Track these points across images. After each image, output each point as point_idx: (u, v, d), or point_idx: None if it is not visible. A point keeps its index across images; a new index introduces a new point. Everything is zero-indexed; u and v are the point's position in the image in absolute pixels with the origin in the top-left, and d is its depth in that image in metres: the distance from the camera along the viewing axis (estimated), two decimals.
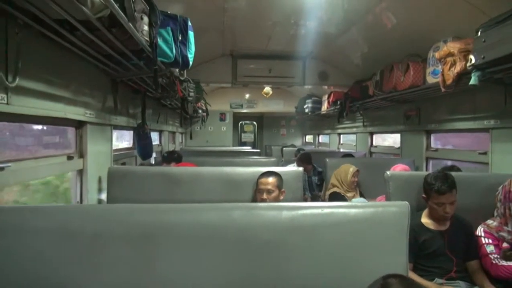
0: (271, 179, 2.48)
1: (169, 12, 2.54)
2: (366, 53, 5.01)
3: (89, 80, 2.66)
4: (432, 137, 4.43)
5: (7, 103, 1.70)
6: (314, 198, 4.84)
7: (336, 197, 3.66)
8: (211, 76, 6.20)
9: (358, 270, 1.44)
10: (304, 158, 5.08)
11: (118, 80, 3.08)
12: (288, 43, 5.45)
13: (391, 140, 6.02)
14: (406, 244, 1.47)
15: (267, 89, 7.83)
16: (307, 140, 12.04)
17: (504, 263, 2.14)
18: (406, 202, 1.52)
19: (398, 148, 5.15)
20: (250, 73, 6.23)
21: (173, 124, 6.78)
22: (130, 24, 1.87)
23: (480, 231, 2.29)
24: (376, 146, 6.22)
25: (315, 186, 5.04)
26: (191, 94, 4.49)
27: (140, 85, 3.38)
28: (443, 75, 2.96)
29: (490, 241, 2.23)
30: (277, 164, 3.73)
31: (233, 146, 10.23)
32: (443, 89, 3.02)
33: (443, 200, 2.21)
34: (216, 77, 6.29)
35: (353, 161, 4.26)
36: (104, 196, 2.86)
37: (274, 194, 2.46)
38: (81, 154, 2.69)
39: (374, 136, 6.32)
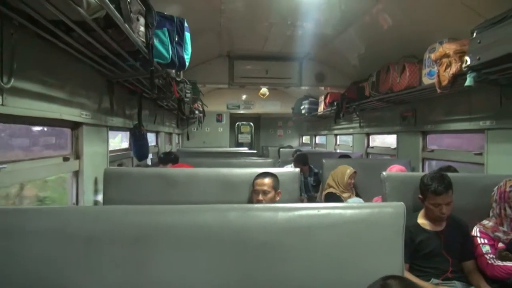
0: (267, 180, 2.48)
1: (165, 13, 2.54)
2: (363, 54, 5.02)
3: (85, 81, 2.65)
4: (428, 138, 4.45)
5: (2, 104, 1.69)
6: (310, 199, 4.85)
7: (332, 197, 3.67)
8: (208, 77, 6.20)
9: (354, 271, 1.44)
10: (300, 159, 5.09)
11: (114, 81, 3.07)
12: (285, 44, 5.46)
13: (388, 141, 6.04)
14: (402, 244, 1.48)
15: (264, 90, 7.84)
16: (304, 141, 12.05)
17: (499, 263, 2.14)
18: (402, 203, 1.53)
19: (395, 149, 5.16)
20: (247, 74, 6.23)
21: (170, 125, 6.77)
22: (126, 25, 1.87)
23: (475, 231, 2.30)
24: (372, 147, 6.23)
25: (311, 187, 5.04)
26: (188, 95, 4.49)
27: (136, 86, 3.37)
28: (438, 76, 2.97)
29: (486, 241, 2.24)
30: (273, 165, 3.73)
31: (230, 147, 10.23)
32: (439, 90, 3.03)
33: (439, 200, 2.21)
34: (212, 78, 6.29)
35: (350, 162, 4.26)
36: (100, 197, 2.85)
37: (270, 195, 2.46)
38: (77, 155, 2.67)
39: (371, 137, 6.33)
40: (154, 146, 5.77)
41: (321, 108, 7.33)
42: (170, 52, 2.54)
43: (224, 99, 10.23)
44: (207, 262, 1.40)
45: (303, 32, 4.80)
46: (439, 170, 2.97)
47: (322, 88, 6.78)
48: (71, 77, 2.42)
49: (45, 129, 2.53)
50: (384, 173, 2.56)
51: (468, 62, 2.53)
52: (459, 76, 2.79)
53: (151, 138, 5.52)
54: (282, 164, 5.90)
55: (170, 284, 1.39)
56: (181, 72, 3.43)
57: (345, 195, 3.67)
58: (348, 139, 7.42)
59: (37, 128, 2.46)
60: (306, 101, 8.19)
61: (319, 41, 5.12)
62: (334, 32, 4.64)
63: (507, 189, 2.22)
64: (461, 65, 2.71)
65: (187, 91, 4.43)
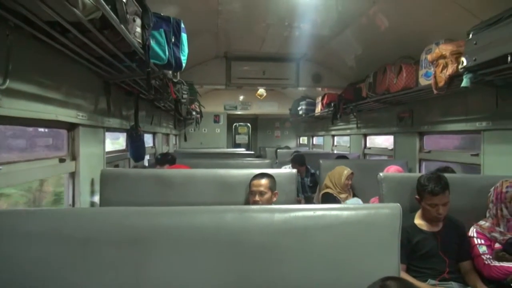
0: (263, 181, 2.48)
1: (162, 14, 2.53)
2: (359, 55, 5.03)
3: (81, 82, 2.64)
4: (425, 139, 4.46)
5: None
6: (307, 200, 4.85)
7: (328, 197, 3.67)
8: (205, 78, 6.20)
9: (351, 272, 1.44)
10: (297, 160, 5.09)
11: (110, 82, 3.06)
12: (282, 45, 5.46)
13: (379, 141, 6.06)
14: (398, 245, 1.48)
15: (261, 91, 7.84)
16: (301, 142, 12.05)
17: (496, 263, 2.15)
18: (398, 204, 1.53)
19: (392, 149, 5.17)
20: (244, 75, 6.24)
21: (167, 126, 6.76)
22: (122, 26, 1.86)
23: (472, 232, 2.30)
24: (370, 148, 6.24)
25: (307, 188, 5.05)
26: (185, 96, 4.48)
27: (133, 87, 3.36)
28: (435, 77, 2.98)
29: (483, 241, 2.24)
30: (271, 166, 3.73)
31: (227, 148, 10.22)
32: (435, 91, 3.04)
33: (436, 201, 2.22)
34: (210, 79, 6.29)
35: (347, 162, 4.26)
36: (97, 198, 2.84)
37: (266, 196, 2.46)
38: (73, 157, 2.66)
39: (368, 138, 6.34)
40: (151, 147, 5.76)
41: (318, 109, 7.34)
42: (167, 53, 2.54)
43: (222, 100, 10.23)
44: (204, 263, 1.40)
45: (300, 33, 4.81)
46: (436, 170, 2.98)
47: (319, 89, 6.79)
48: (67, 78, 2.41)
49: (41, 130, 2.52)
50: (381, 174, 2.57)
51: (464, 63, 2.54)
52: (455, 77, 2.80)
53: (148, 139, 5.52)
54: (279, 165, 5.90)
55: (167, 285, 1.38)
56: (178, 73, 3.43)
57: (342, 196, 3.67)
58: (346, 140, 7.43)
59: (33, 129, 2.45)
60: (303, 102, 8.20)
61: (316, 42, 5.13)
62: (331, 33, 4.65)
63: (504, 190, 2.23)
64: (457, 66, 2.72)
65: (184, 92, 4.42)
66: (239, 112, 10.70)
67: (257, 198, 2.45)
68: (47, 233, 1.36)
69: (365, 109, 5.65)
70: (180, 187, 2.59)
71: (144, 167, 4.72)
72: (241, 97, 10.35)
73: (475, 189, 2.47)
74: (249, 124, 13.06)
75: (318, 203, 3.98)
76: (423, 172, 4.09)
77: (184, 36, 2.70)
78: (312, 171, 5.14)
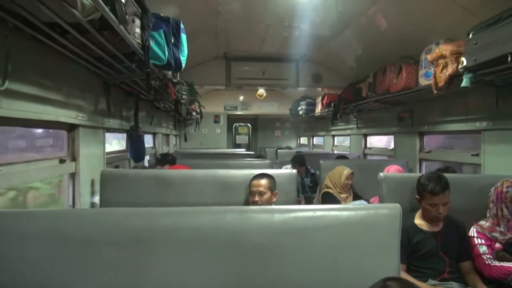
0: (263, 181, 2.49)
1: (161, 15, 2.53)
2: (359, 55, 5.03)
3: (81, 83, 2.64)
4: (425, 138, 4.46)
5: None
6: (308, 200, 4.85)
7: (328, 197, 3.67)
8: (205, 78, 6.20)
9: (350, 272, 1.44)
10: (297, 160, 5.09)
11: (110, 83, 3.06)
12: (282, 46, 5.46)
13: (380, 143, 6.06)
14: (398, 246, 1.48)
15: (261, 91, 7.84)
16: (301, 142, 12.05)
17: (497, 263, 2.15)
18: (398, 205, 1.53)
19: (392, 149, 5.17)
20: (244, 75, 6.24)
21: (167, 127, 6.76)
22: (121, 27, 1.86)
23: (473, 231, 2.30)
24: (370, 148, 6.24)
25: (307, 188, 5.05)
26: (185, 96, 4.48)
27: (133, 88, 3.36)
28: (435, 77, 2.98)
29: (483, 241, 2.24)
30: (271, 166, 3.73)
31: (228, 148, 10.22)
32: (435, 91, 3.03)
33: (436, 201, 2.22)
34: (210, 79, 6.29)
35: (347, 162, 4.26)
36: (97, 199, 2.84)
37: (266, 196, 2.46)
38: (74, 157, 2.66)
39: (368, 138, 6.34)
40: (152, 147, 5.76)
41: (318, 109, 7.34)
42: (166, 53, 2.54)
43: (222, 100, 10.23)
44: (204, 264, 1.40)
45: (299, 33, 4.81)
46: (437, 170, 2.98)
47: (319, 89, 6.79)
48: (67, 79, 2.41)
49: (41, 131, 2.52)
50: (381, 174, 2.57)
51: (464, 63, 2.54)
52: (455, 77, 2.80)
53: (148, 139, 5.52)
54: (280, 165, 5.90)
55: (168, 286, 1.38)
56: (178, 73, 3.43)
57: (343, 195, 3.67)
58: (346, 140, 7.43)
59: (33, 130, 2.45)
60: (303, 102, 8.21)
61: (315, 42, 5.13)
62: (330, 33, 4.65)
63: (504, 190, 2.23)
64: (457, 66, 2.72)
65: (183, 92, 4.42)
66: (239, 113, 10.70)
67: (256, 198, 2.45)
68: (48, 234, 1.36)
69: (365, 109, 5.65)
70: (180, 187, 2.59)
71: (144, 167, 4.72)
72: (241, 98, 10.35)
73: (475, 189, 2.47)
74: (249, 125, 13.06)
75: (319, 203, 3.98)
76: (424, 172, 4.09)
77: (183, 36, 2.70)
78: (312, 171, 5.14)
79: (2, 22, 1.64)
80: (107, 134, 3.27)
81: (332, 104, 6.29)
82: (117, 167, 3.87)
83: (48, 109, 2.19)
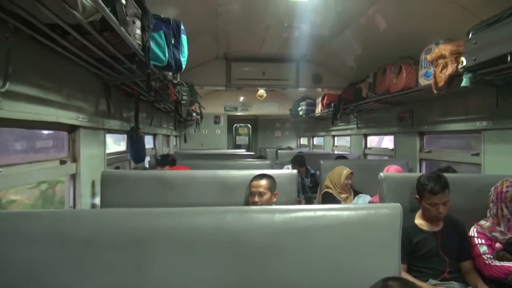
0: (262, 182, 2.49)
1: (161, 16, 2.54)
2: (359, 56, 5.04)
3: (81, 84, 2.64)
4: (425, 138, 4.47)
5: None
6: (308, 200, 4.85)
7: (328, 197, 3.67)
8: (205, 79, 6.20)
9: (351, 272, 1.44)
10: (297, 160, 5.10)
11: (111, 84, 3.07)
12: (282, 46, 5.47)
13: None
14: (399, 245, 1.48)
15: (261, 91, 7.84)
16: (301, 143, 12.05)
17: (497, 263, 2.15)
18: (398, 204, 1.53)
19: (392, 149, 5.17)
20: (244, 76, 6.24)
21: (167, 128, 6.76)
22: (122, 28, 1.86)
23: (473, 231, 2.30)
24: (370, 148, 6.24)
25: (308, 188, 5.05)
26: (185, 97, 4.48)
27: (133, 89, 3.37)
28: (435, 77, 2.98)
29: (483, 241, 2.24)
30: (271, 166, 3.73)
31: (228, 149, 10.22)
32: (435, 91, 3.04)
33: (436, 200, 2.22)
34: (210, 80, 6.29)
35: (347, 162, 4.26)
36: (97, 200, 2.84)
37: (266, 197, 2.46)
38: (74, 159, 2.67)
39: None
40: (152, 148, 5.76)
41: (318, 109, 7.34)
42: (167, 54, 2.54)
43: (222, 101, 10.24)
44: (205, 264, 1.40)
45: (299, 34, 4.81)
46: (437, 170, 2.98)
47: (319, 89, 6.79)
48: (67, 80, 2.41)
49: (42, 132, 2.53)
50: (381, 174, 2.57)
51: (464, 63, 2.54)
52: (455, 77, 2.80)
53: (148, 140, 5.52)
54: (280, 166, 5.89)
55: (168, 286, 1.39)
56: (178, 74, 3.43)
57: (343, 195, 3.67)
58: (346, 140, 7.43)
59: (34, 132, 2.45)
60: (303, 103, 8.21)
61: (315, 42, 5.13)
62: (330, 33, 4.65)
63: (504, 189, 2.23)
64: (457, 66, 2.72)
65: (184, 93, 4.42)
66: (239, 113, 10.71)
67: (256, 199, 2.45)
68: (48, 234, 1.37)
69: (365, 109, 5.65)
70: (181, 188, 2.60)
71: (145, 168, 4.72)
72: (241, 98, 10.35)
73: (475, 189, 2.47)
74: (249, 125, 13.05)
75: (319, 204, 3.98)
76: (424, 172, 4.09)
77: (184, 37, 2.70)
78: (312, 171, 5.15)
79: (3, 23, 1.64)
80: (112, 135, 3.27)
81: (332, 105, 6.29)
82: (117, 168, 3.87)
83: (48, 110, 2.19)
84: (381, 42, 4.21)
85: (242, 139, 13.04)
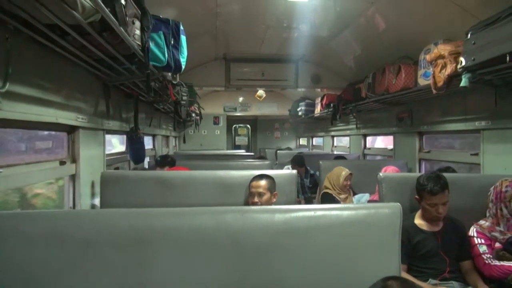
0: (262, 182, 2.49)
1: (161, 17, 2.54)
2: (358, 56, 5.04)
3: (81, 85, 2.64)
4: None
5: None
6: (307, 201, 4.85)
7: (327, 198, 3.67)
8: (204, 80, 6.20)
9: (351, 272, 1.44)
10: (296, 161, 5.10)
11: (110, 85, 3.07)
12: (281, 46, 5.47)
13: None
14: (399, 245, 1.48)
15: (261, 92, 7.84)
16: (301, 143, 12.06)
17: (497, 262, 2.15)
18: (398, 204, 1.53)
19: (391, 150, 5.18)
20: (243, 76, 6.25)
21: (167, 128, 6.76)
22: (122, 29, 1.86)
23: (472, 231, 2.30)
24: (369, 148, 6.24)
25: (307, 189, 5.05)
26: (184, 97, 4.49)
27: (132, 89, 3.37)
28: (434, 77, 2.98)
29: (483, 241, 2.24)
30: (270, 167, 3.73)
31: (227, 149, 10.22)
32: (434, 91, 3.04)
33: (435, 200, 2.22)
34: (209, 81, 6.30)
35: (346, 163, 4.27)
36: (97, 201, 2.84)
37: (265, 197, 2.46)
38: (74, 159, 2.67)
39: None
40: (151, 149, 5.76)
41: (317, 109, 7.34)
42: (166, 55, 2.54)
43: (221, 102, 10.24)
44: (205, 264, 1.40)
45: (298, 34, 4.82)
46: (437, 170, 2.98)
47: (319, 89, 6.80)
48: (67, 81, 2.41)
49: (42, 133, 2.53)
50: (380, 174, 2.57)
51: (463, 63, 2.55)
52: (454, 77, 2.80)
53: (148, 141, 5.52)
54: (279, 166, 5.89)
55: (169, 286, 1.39)
56: (177, 75, 3.44)
57: (342, 196, 3.67)
58: (345, 140, 7.43)
59: (33, 132, 2.45)
60: (302, 103, 8.21)
61: (314, 43, 5.13)
62: (329, 34, 4.65)
63: (503, 189, 2.23)
64: (456, 66, 2.72)
65: (183, 94, 4.42)
66: (238, 114, 10.70)
67: (256, 199, 2.45)
68: (48, 235, 1.37)
69: (365, 109, 5.66)
70: (180, 189, 2.59)
71: (144, 169, 4.72)
72: (241, 99, 10.35)
73: (474, 189, 2.48)
74: (248, 126, 13.06)
75: (319, 204, 3.98)
76: (423, 172, 4.09)
77: (183, 38, 2.70)
78: (312, 172, 5.15)
79: (3, 24, 1.64)
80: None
81: (332, 105, 6.29)
82: (117, 168, 3.87)
83: (48, 111, 2.19)
84: (380, 43, 4.21)
85: (242, 140, 13.04)
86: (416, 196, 2.34)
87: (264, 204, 2.42)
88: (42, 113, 2.12)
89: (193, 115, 6.95)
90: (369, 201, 3.49)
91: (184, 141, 7.32)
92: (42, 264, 1.34)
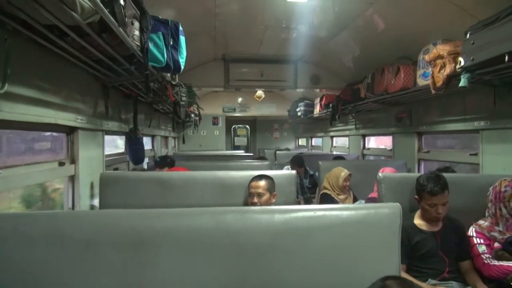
0: (261, 183, 2.49)
1: (160, 17, 2.54)
2: (357, 56, 5.05)
3: (80, 86, 2.64)
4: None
5: None
6: (307, 201, 4.85)
7: (326, 198, 3.66)
8: (203, 80, 6.20)
9: (351, 272, 1.44)
10: (296, 161, 5.09)
11: (109, 85, 3.07)
12: (280, 47, 5.48)
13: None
14: (399, 245, 1.48)
15: (260, 92, 7.85)
16: (300, 143, 12.06)
17: (496, 262, 2.15)
18: (398, 204, 1.53)
19: (390, 150, 5.18)
20: (242, 77, 6.25)
21: (166, 129, 6.76)
22: (121, 29, 1.86)
23: (471, 231, 2.30)
24: (368, 149, 6.25)
25: (306, 189, 5.05)
26: (183, 98, 4.48)
27: (131, 90, 3.37)
28: (433, 77, 2.98)
29: (482, 241, 2.24)
30: (270, 167, 3.73)
31: (227, 150, 10.22)
32: (433, 91, 3.04)
33: (435, 201, 2.22)
34: (208, 81, 6.30)
35: (346, 163, 4.27)
36: (96, 202, 2.84)
37: (264, 198, 2.46)
38: (73, 160, 2.66)
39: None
40: (150, 150, 5.76)
41: (316, 110, 7.34)
42: (165, 55, 2.54)
43: (220, 102, 10.23)
44: (205, 265, 1.40)
45: (297, 34, 4.82)
46: (436, 170, 2.98)
47: (318, 90, 6.80)
48: (66, 81, 2.41)
49: (41, 134, 2.52)
50: (380, 174, 2.57)
51: (462, 63, 2.55)
52: (453, 77, 2.81)
53: (147, 142, 5.51)
54: (278, 167, 5.89)
55: (168, 287, 1.38)
56: (176, 75, 3.44)
57: (341, 197, 3.66)
58: (344, 140, 7.44)
59: (32, 133, 2.44)
60: (301, 103, 8.21)
61: (313, 43, 5.14)
62: (328, 34, 4.66)
63: (502, 189, 2.24)
64: (455, 66, 2.73)
65: (182, 94, 4.41)
66: (237, 114, 10.69)
67: (255, 199, 2.45)
68: (48, 236, 1.36)
69: (364, 109, 5.66)
70: (180, 189, 2.59)
71: (143, 170, 4.71)
72: (240, 99, 10.35)
73: (474, 189, 2.48)
74: (247, 126, 13.05)
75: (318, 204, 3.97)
76: (422, 172, 4.09)
77: (182, 38, 2.70)
78: (311, 172, 5.14)
79: (1, 25, 1.64)
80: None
81: (331, 105, 6.29)
82: (116, 169, 3.86)
83: (47, 112, 2.19)
84: (379, 43, 4.22)
85: (241, 140, 13.04)
86: (416, 196, 2.34)
87: (263, 205, 2.42)
88: (41, 114, 2.12)
89: (192, 115, 6.95)
90: (368, 199, 3.49)
91: (184, 142, 7.32)
92: (42, 264, 1.34)
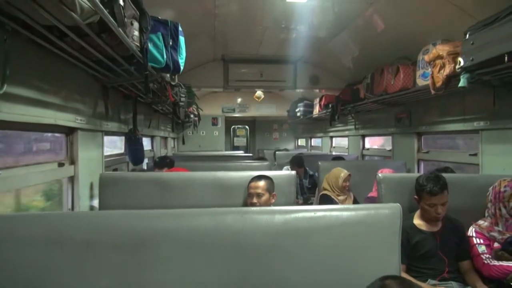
0: (261, 183, 2.48)
1: (159, 18, 2.54)
2: (357, 57, 5.05)
3: (79, 86, 2.64)
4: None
5: None
6: (306, 201, 4.84)
7: (326, 199, 3.65)
8: (203, 81, 6.20)
9: (351, 272, 1.44)
10: (295, 161, 5.09)
11: (108, 86, 3.07)
12: (279, 47, 5.48)
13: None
14: (399, 245, 1.48)
15: (259, 93, 7.85)
16: (299, 144, 12.06)
17: (495, 262, 2.15)
18: (398, 204, 1.53)
19: (390, 150, 5.18)
20: (241, 77, 6.25)
21: (165, 129, 6.76)
22: (120, 30, 1.86)
23: (471, 231, 2.30)
24: (368, 149, 6.25)
25: (306, 190, 5.05)
26: (183, 99, 4.47)
27: (131, 91, 3.37)
28: (432, 77, 2.98)
29: (482, 241, 2.24)
30: (269, 168, 3.72)
31: (226, 150, 10.22)
32: (433, 92, 3.04)
33: (434, 201, 2.22)
34: (207, 82, 6.30)
35: (345, 163, 4.27)
36: (96, 202, 2.83)
37: (264, 198, 2.45)
38: (72, 161, 2.66)
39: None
40: (150, 150, 5.75)
41: (316, 110, 7.35)
42: (165, 56, 2.54)
43: (219, 103, 10.24)
44: (204, 265, 1.40)
45: (297, 35, 4.82)
46: (436, 170, 2.98)
47: (317, 90, 6.81)
48: (65, 82, 2.41)
49: (40, 134, 2.52)
50: (379, 174, 2.57)
51: (462, 63, 2.55)
52: (452, 77, 2.81)
53: (146, 142, 5.51)
54: (278, 167, 5.89)
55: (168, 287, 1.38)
56: (176, 76, 3.44)
57: (341, 198, 3.65)
58: (344, 141, 7.44)
59: (32, 134, 2.44)
60: (301, 104, 8.22)
61: (313, 44, 5.14)
62: (328, 35, 4.66)
63: (502, 189, 2.24)
64: (454, 66, 2.73)
65: (182, 95, 4.41)
66: (237, 115, 10.70)
67: (254, 200, 2.45)
68: (47, 237, 1.36)
69: (363, 110, 5.66)
70: (179, 190, 2.59)
71: (143, 170, 4.71)
72: (239, 100, 10.36)
73: (473, 189, 2.48)
74: (247, 127, 13.05)
75: (318, 205, 3.97)
76: (422, 172, 4.09)
77: (181, 39, 2.70)
78: (311, 172, 5.14)
79: (1, 25, 1.64)
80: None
81: (330, 106, 6.29)
82: (115, 170, 3.86)
83: (46, 112, 2.19)
84: (379, 43, 4.22)
85: (240, 141, 13.04)
86: (415, 196, 2.34)
87: (262, 205, 2.41)
88: (40, 115, 2.11)
89: (192, 116, 6.94)
90: (367, 198, 3.49)
91: (183, 142, 7.32)
92: (41, 265, 1.34)
